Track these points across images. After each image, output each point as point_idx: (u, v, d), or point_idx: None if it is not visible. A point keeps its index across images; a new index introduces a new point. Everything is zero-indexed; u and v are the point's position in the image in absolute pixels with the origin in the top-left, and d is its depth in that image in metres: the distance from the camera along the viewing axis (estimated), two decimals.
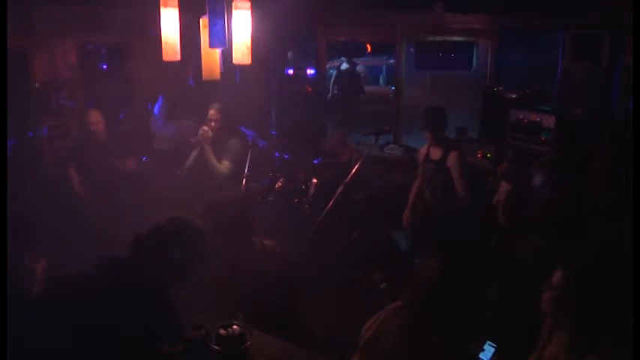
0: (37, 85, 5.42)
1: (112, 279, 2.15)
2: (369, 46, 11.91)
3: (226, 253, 2.95)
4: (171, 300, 2.30)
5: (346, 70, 10.45)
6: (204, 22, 2.85)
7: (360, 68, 10.71)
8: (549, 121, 5.22)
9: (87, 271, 2.20)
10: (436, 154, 4.55)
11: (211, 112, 4.91)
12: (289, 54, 9.25)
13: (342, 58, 10.60)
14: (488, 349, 2.30)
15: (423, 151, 4.76)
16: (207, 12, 2.71)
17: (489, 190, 3.97)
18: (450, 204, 4.43)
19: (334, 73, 10.52)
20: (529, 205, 3.36)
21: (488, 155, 5.62)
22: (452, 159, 4.42)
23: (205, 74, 3.03)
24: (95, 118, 4.93)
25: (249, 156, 4.84)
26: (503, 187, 3.51)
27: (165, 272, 2.25)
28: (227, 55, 2.95)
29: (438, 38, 6.83)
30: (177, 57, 3.01)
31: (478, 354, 2.29)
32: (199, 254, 2.34)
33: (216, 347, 2.18)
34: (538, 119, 5.31)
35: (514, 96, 5.78)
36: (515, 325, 2.80)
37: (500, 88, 5.96)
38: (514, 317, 2.93)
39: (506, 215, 3.47)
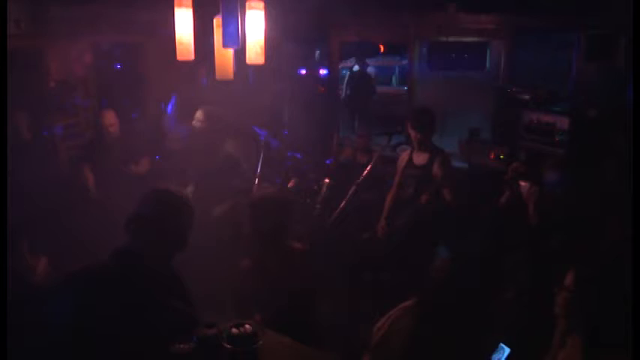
0: (52, 84, 5.47)
1: (121, 270, 2.14)
2: (381, 47, 11.89)
3: (259, 252, 2.98)
4: (184, 297, 2.31)
5: (358, 71, 10.44)
6: (217, 21, 2.86)
7: (370, 70, 10.68)
8: (563, 122, 5.18)
9: (94, 265, 2.19)
10: (421, 159, 4.27)
11: (197, 114, 4.68)
12: (317, 53, 9.19)
13: (352, 59, 10.59)
14: (503, 350, 2.28)
15: (404, 156, 4.46)
16: (221, 12, 2.72)
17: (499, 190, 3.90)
18: (436, 208, 4.16)
19: (347, 73, 10.51)
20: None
21: (501, 156, 5.59)
22: (439, 164, 4.15)
23: (219, 74, 3.04)
24: (111, 119, 4.96)
25: (261, 156, 4.84)
26: (530, 188, 3.44)
27: (163, 243, 2.23)
28: (240, 55, 2.96)
29: (451, 39, 6.83)
30: (191, 57, 3.02)
31: (491, 354, 2.27)
32: (191, 222, 2.31)
33: (228, 346, 2.19)
34: (552, 120, 5.27)
35: (527, 97, 5.76)
36: (531, 326, 2.78)
37: (514, 88, 5.93)
38: (531, 318, 2.91)
39: (538, 215, 3.41)
